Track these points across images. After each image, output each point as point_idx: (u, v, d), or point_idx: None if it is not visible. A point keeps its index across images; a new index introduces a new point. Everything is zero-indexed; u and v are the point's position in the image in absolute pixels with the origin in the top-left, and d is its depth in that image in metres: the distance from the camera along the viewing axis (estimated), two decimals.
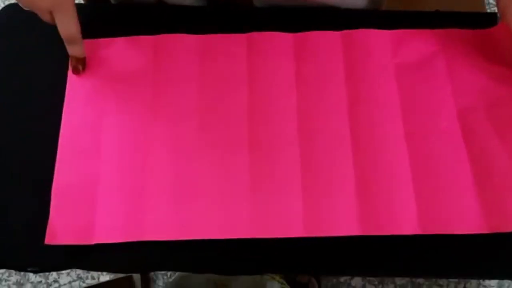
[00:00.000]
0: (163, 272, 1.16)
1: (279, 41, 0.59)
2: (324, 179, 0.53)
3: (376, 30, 0.59)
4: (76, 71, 0.57)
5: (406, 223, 0.51)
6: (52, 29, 0.55)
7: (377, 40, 0.59)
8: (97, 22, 0.61)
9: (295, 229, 0.51)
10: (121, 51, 0.59)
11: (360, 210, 0.52)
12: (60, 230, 0.52)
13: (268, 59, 0.58)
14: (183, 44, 0.59)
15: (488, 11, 1.44)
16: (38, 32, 0.60)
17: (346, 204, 0.52)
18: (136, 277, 1.12)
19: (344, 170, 0.53)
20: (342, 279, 1.14)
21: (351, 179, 0.53)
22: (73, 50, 0.57)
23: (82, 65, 0.58)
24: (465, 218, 0.51)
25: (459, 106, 0.56)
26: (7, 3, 0.90)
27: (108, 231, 0.51)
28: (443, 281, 1.16)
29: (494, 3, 1.44)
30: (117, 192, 0.53)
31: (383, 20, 0.60)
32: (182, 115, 0.56)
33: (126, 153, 0.54)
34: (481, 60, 0.57)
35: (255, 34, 0.59)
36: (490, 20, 0.60)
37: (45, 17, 0.54)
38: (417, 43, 0.59)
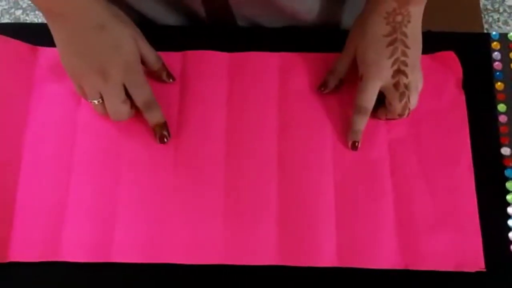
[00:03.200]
0: None
1: (215, 61, 0.58)
2: (246, 204, 0.52)
3: (313, 54, 0.58)
4: (163, 140, 0.54)
5: (325, 254, 0.51)
6: None
7: (313, 64, 0.58)
8: None
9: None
10: None
11: (279, 240, 0.51)
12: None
13: (202, 78, 0.57)
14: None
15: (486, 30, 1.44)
16: None
17: (265, 234, 0.51)
18: None
19: (267, 197, 0.53)
20: None
21: (273, 207, 0.52)
22: (153, 116, 0.53)
23: (166, 131, 0.54)
24: (382, 253, 0.51)
25: (391, 136, 0.55)
26: None
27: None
28: None
29: (491, 22, 1.44)
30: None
31: None
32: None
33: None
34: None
35: (189, 53, 0.58)
36: (481, 40, 0.59)
37: (121, 95, 0.51)
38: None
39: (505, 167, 0.53)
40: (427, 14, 0.86)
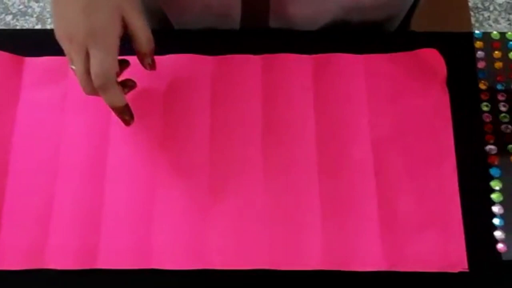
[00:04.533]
0: None
1: (199, 64, 0.58)
2: (232, 208, 0.52)
3: (298, 55, 0.58)
4: (127, 124, 0.51)
5: (310, 258, 0.50)
6: None
7: (297, 64, 0.58)
8: None
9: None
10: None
11: (266, 244, 0.51)
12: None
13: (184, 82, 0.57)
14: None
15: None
16: None
17: (252, 238, 0.51)
18: None
19: (253, 201, 0.52)
20: None
21: (259, 211, 0.52)
22: (108, 98, 0.48)
23: (128, 115, 0.51)
24: (367, 256, 0.50)
25: (374, 136, 0.55)
26: None
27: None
28: None
29: (481, 21, 1.44)
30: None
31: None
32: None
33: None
34: (401, 87, 0.56)
35: (173, 57, 0.58)
36: (464, 39, 0.59)
37: (85, 63, 0.45)
38: (339, 68, 0.57)
39: (489, 166, 0.54)
40: (415, 14, 0.86)
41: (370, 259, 0.50)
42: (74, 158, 0.54)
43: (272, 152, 0.54)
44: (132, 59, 0.51)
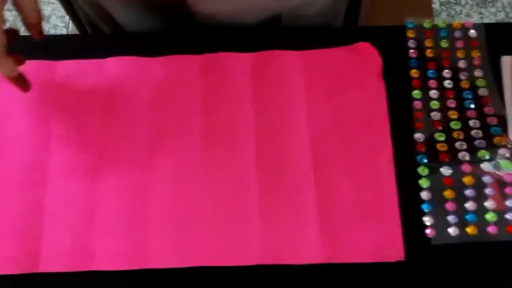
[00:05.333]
0: None
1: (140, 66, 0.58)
2: (173, 206, 0.53)
3: (238, 53, 0.58)
4: (24, 91, 0.53)
5: (249, 253, 0.51)
6: None
7: (236, 62, 0.58)
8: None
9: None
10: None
11: (207, 240, 0.51)
12: None
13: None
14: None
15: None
16: None
17: (194, 235, 0.51)
18: None
19: (194, 199, 0.53)
20: None
21: (200, 205, 0.52)
22: (1, 69, 0.48)
23: (23, 83, 0.51)
24: (306, 249, 0.51)
25: (312, 131, 0.55)
26: None
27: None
28: None
29: (453, 15, 1.45)
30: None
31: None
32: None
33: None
34: (339, 81, 0.57)
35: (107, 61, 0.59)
36: (398, 31, 0.59)
37: None
38: (277, 65, 0.58)
39: (417, 153, 0.54)
40: (377, 8, 0.87)
41: (308, 252, 0.51)
42: (14, 163, 0.54)
43: (211, 150, 0.55)
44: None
